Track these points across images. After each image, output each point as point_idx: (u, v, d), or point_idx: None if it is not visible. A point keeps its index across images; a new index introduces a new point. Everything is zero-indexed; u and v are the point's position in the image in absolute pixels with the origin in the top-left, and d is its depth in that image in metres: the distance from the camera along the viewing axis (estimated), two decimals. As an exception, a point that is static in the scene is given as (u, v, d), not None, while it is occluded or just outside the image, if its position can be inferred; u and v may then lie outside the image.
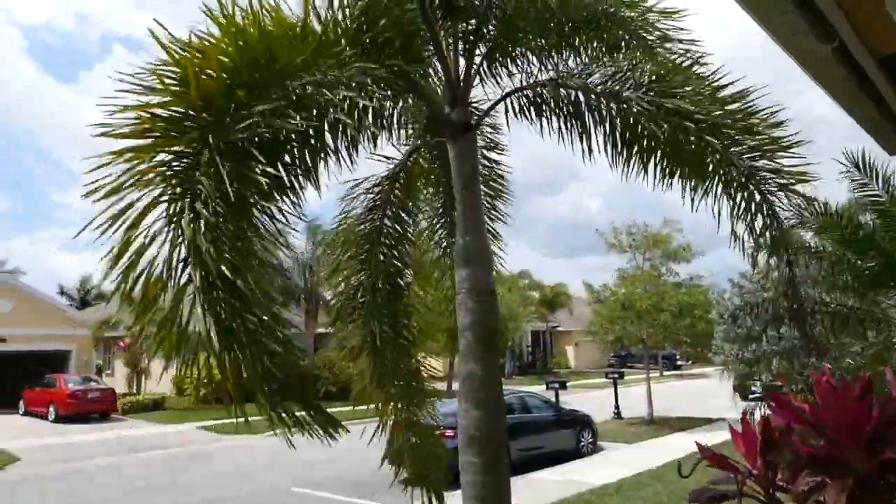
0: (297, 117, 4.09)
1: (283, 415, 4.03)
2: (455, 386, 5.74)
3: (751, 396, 23.32)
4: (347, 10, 5.09)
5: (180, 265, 3.73)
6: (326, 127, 4.76)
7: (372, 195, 6.82)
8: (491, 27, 6.10)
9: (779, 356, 13.43)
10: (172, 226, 3.72)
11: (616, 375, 24.29)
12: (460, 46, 6.06)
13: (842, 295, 10.80)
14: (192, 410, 26.82)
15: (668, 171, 5.89)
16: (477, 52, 6.16)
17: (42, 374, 28.55)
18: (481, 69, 6.30)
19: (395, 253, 6.85)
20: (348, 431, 4.63)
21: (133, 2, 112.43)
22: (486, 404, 5.25)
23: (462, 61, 6.06)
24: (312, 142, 4.75)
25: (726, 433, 5.65)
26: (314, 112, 4.44)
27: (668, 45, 6.26)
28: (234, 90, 4.01)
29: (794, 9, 2.71)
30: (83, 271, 61.33)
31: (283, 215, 4.35)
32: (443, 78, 5.94)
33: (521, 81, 6.39)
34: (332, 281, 7.17)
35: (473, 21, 6.02)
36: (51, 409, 26.52)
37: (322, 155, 4.89)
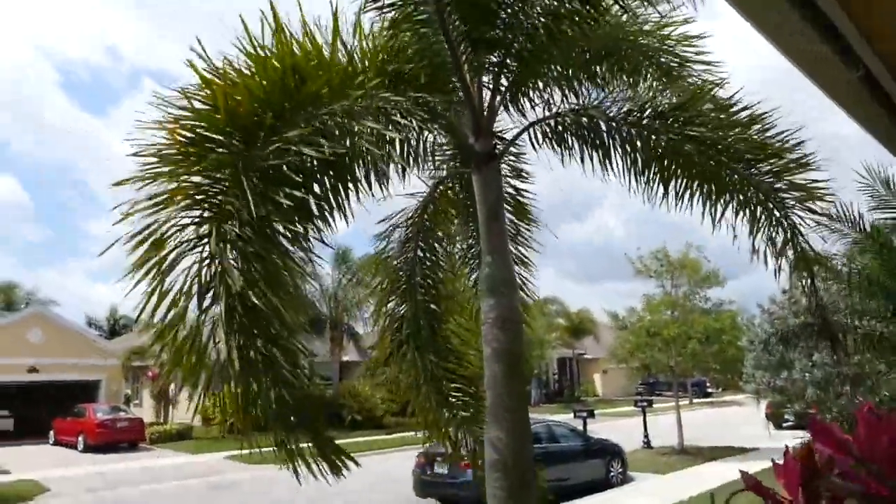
0: (325, 145, 4.13)
1: (291, 447, 3.97)
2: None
3: (784, 425, 22.90)
4: (374, 40, 5.17)
5: (204, 287, 3.73)
6: (353, 156, 4.81)
7: (403, 228, 6.90)
8: (515, 59, 6.17)
9: (812, 385, 13.15)
10: (199, 247, 3.74)
11: (645, 404, 23.92)
12: (484, 78, 6.13)
13: (874, 319, 10.58)
14: (219, 440, 26.90)
15: (689, 193, 5.94)
16: (501, 82, 6.22)
17: (72, 403, 28.85)
18: (505, 100, 6.36)
19: (431, 282, 6.91)
20: (359, 465, 4.54)
21: (159, 33, 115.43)
22: (513, 431, 5.22)
23: (486, 92, 6.13)
24: (340, 170, 4.80)
25: (760, 462, 5.57)
26: (342, 141, 4.48)
27: (689, 68, 6.32)
28: (263, 116, 4.08)
29: (818, 37, 2.71)
30: (112, 301, 62.17)
31: (310, 242, 4.38)
32: (467, 109, 6.00)
33: (543, 111, 6.45)
34: (374, 317, 7.21)
35: (498, 53, 6.09)
36: (80, 438, 26.72)
37: (350, 184, 4.94)
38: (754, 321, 17.75)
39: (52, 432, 28.95)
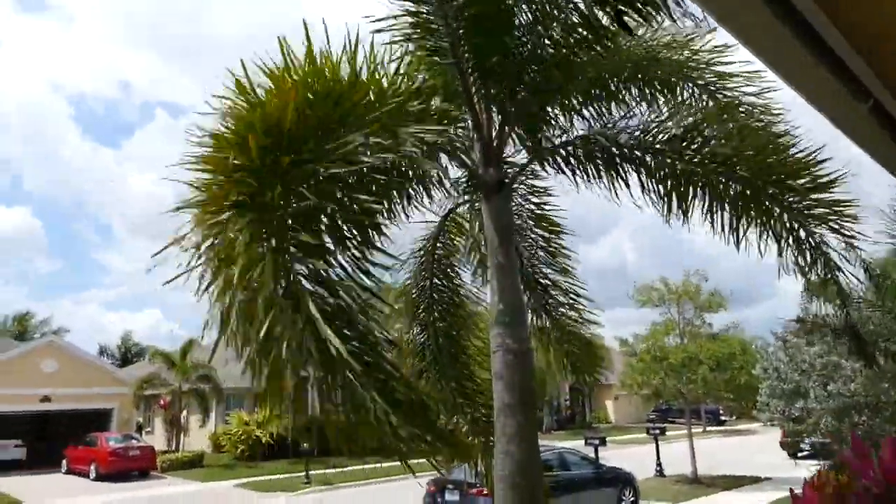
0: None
1: (412, 440, 3.71)
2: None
3: (800, 455, 22.57)
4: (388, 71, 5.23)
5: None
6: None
7: (416, 258, 6.97)
8: (525, 89, 6.22)
9: (828, 414, 12.99)
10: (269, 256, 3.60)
11: (657, 431, 23.65)
12: (494, 108, 6.19)
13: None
14: (230, 468, 26.82)
15: (710, 214, 5.87)
16: (510, 111, 6.26)
17: (85, 432, 28.86)
18: (515, 128, 6.41)
19: (448, 309, 6.96)
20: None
21: (170, 67, 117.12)
22: (522, 459, 5.20)
23: (496, 122, 6.18)
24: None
25: (775, 493, 5.48)
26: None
27: (727, 81, 6.26)
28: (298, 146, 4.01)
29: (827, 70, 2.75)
30: (125, 328, 62.41)
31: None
32: (476, 139, 6.05)
33: (552, 140, 6.49)
34: (400, 348, 7.22)
35: (507, 83, 6.13)
36: (92, 467, 26.66)
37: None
38: (768, 349, 17.61)
39: (64, 461, 28.89)
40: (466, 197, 6.86)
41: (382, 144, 4.07)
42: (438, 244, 6.97)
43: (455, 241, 7.35)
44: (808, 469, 11.80)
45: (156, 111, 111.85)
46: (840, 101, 3.04)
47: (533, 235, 7.40)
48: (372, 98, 4.72)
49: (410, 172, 6.07)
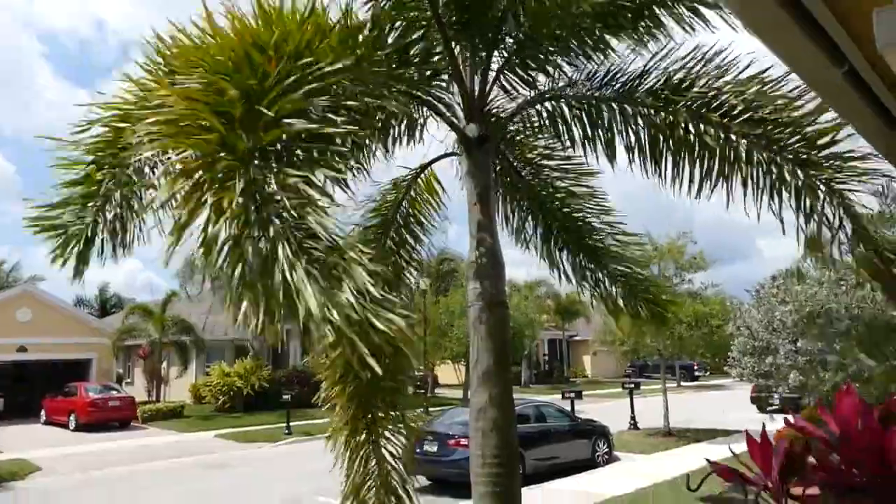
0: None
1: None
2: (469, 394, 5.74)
3: (768, 409, 23.23)
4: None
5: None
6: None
7: (380, 205, 6.86)
8: (508, 37, 6.08)
9: (796, 370, 13.34)
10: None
11: (632, 386, 24.16)
12: (476, 58, 6.06)
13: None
14: (210, 419, 27.06)
15: (701, 172, 5.69)
16: (493, 63, 6.14)
17: (63, 382, 28.86)
18: (499, 80, 6.28)
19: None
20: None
21: (153, 5, 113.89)
22: (498, 415, 5.26)
23: (478, 73, 6.05)
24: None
25: (744, 445, 5.64)
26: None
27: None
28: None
29: (804, 35, 2.76)
30: (103, 279, 61.91)
31: None
32: (457, 90, 5.95)
33: (537, 91, 6.38)
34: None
35: (489, 32, 6.00)
36: (71, 417, 26.76)
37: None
38: (742, 307, 17.93)
39: (42, 412, 28.97)
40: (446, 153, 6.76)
41: (359, 83, 3.94)
42: (407, 198, 6.86)
43: (432, 199, 7.25)
44: (776, 422, 12.17)
45: (133, 52, 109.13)
46: (817, 65, 3.07)
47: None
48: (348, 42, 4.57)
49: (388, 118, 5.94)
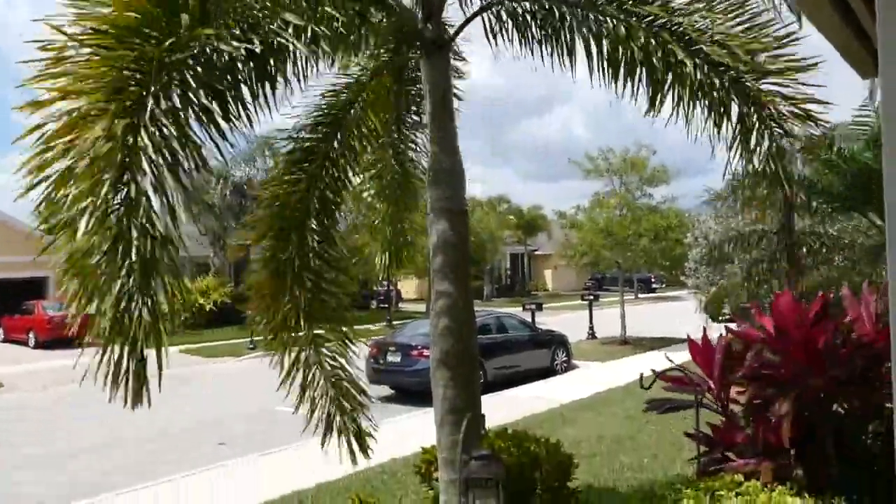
0: (241, 42, 3.84)
1: None
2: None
3: (720, 319, 24.04)
4: None
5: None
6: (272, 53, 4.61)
7: (322, 115, 6.58)
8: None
9: (748, 280, 13.74)
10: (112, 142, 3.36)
11: (591, 298, 24.76)
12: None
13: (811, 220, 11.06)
14: (174, 335, 27.02)
15: (655, 90, 5.48)
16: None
17: (21, 301, 28.43)
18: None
19: (338, 175, 6.62)
20: None
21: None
22: (458, 321, 5.32)
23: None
24: (261, 65, 4.60)
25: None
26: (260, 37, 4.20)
27: None
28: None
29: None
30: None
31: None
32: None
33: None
34: (263, 195, 6.76)
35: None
36: (30, 335, 26.57)
37: (270, 81, 4.76)
38: (699, 218, 18.28)
39: (0, 330, 28.71)
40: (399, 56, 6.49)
41: None
42: (354, 107, 6.62)
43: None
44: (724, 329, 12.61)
45: None
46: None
47: None
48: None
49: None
